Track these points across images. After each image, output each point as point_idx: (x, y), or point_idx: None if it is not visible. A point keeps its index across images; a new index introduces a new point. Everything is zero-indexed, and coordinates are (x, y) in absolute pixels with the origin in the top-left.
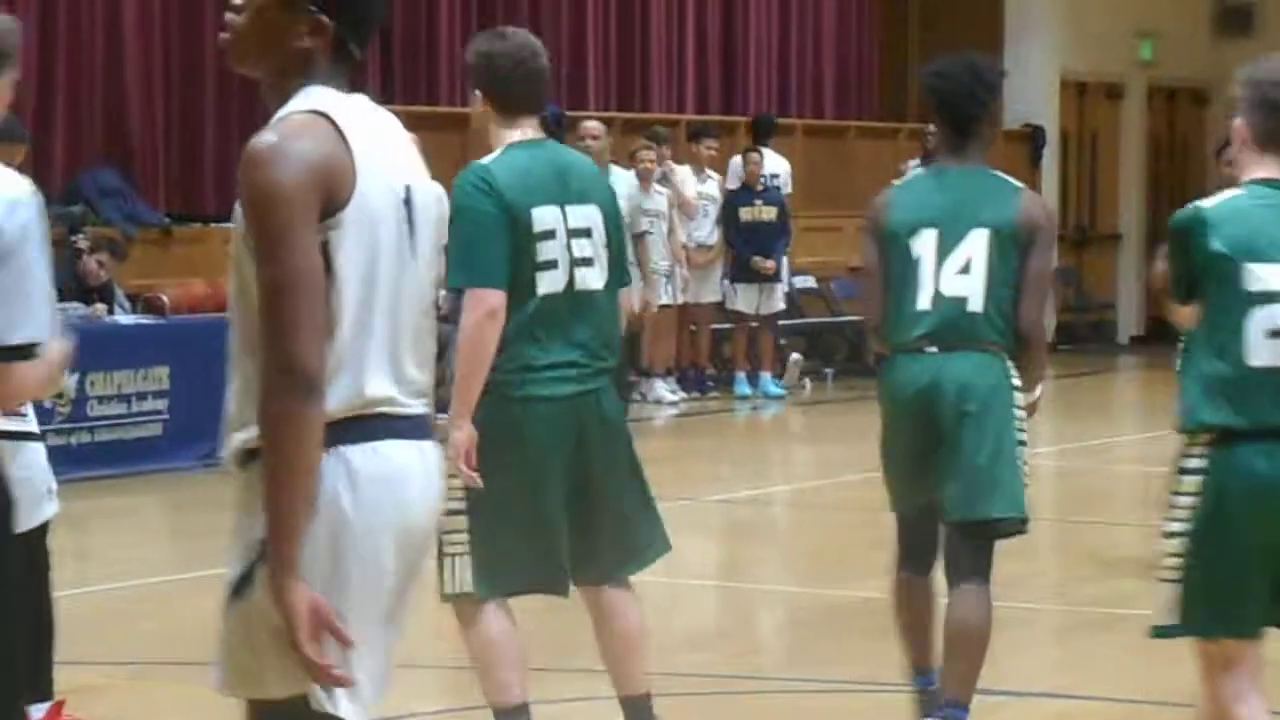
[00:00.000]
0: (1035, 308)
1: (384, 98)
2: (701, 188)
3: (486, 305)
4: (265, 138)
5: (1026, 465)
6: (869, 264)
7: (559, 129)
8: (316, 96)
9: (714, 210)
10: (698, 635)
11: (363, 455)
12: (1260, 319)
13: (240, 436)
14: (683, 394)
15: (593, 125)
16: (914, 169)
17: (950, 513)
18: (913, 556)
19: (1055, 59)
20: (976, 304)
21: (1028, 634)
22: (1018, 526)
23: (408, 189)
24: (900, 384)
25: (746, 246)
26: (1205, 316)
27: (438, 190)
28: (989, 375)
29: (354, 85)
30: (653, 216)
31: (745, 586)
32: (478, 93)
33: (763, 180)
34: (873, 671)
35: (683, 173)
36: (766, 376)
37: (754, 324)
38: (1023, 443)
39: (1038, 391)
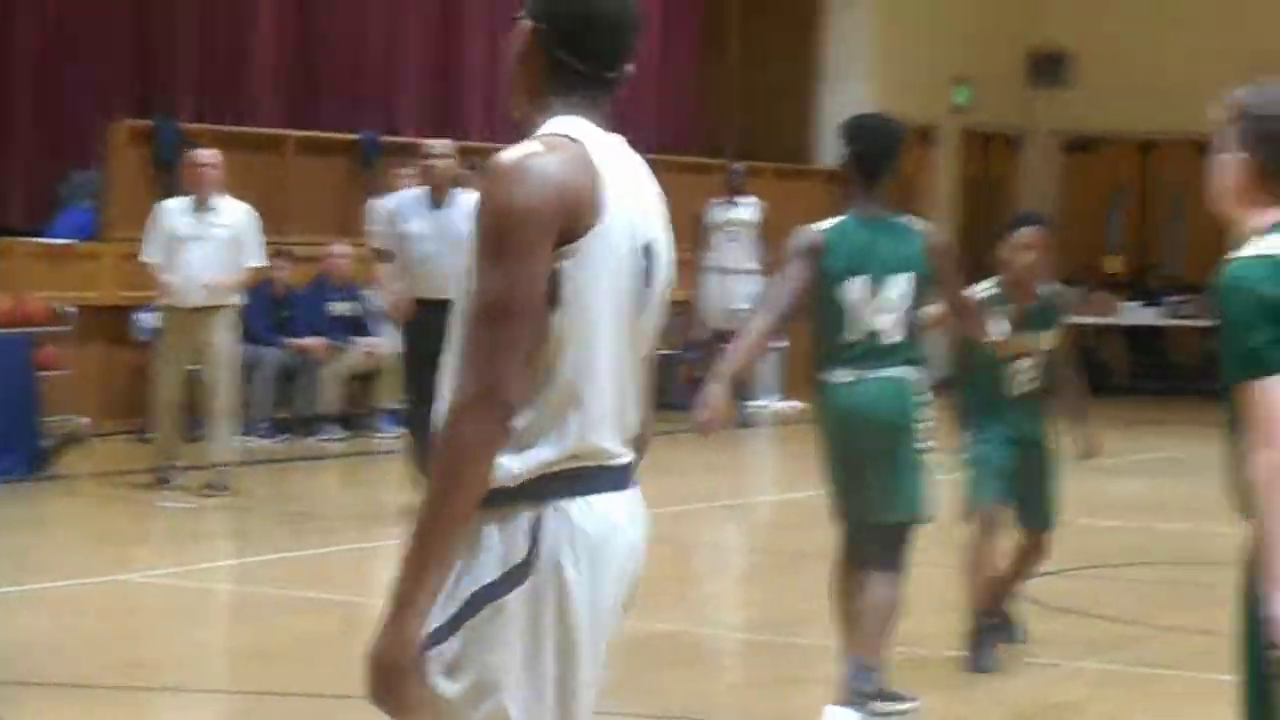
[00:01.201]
0: (972, 325)
1: (195, 118)
2: None
3: None
4: (512, 152)
5: (931, 470)
6: (790, 282)
7: (374, 154)
8: (567, 122)
9: None
10: None
11: (582, 511)
12: None
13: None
14: None
15: (437, 144)
16: (716, 206)
17: (872, 515)
18: (853, 556)
19: (872, 102)
20: (895, 335)
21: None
22: (922, 522)
23: (652, 239)
24: (831, 407)
25: None
26: None
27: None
28: (902, 397)
29: (608, 119)
30: None
31: None
32: None
33: None
34: (680, 704)
35: None
36: None
37: None
38: (930, 450)
39: None
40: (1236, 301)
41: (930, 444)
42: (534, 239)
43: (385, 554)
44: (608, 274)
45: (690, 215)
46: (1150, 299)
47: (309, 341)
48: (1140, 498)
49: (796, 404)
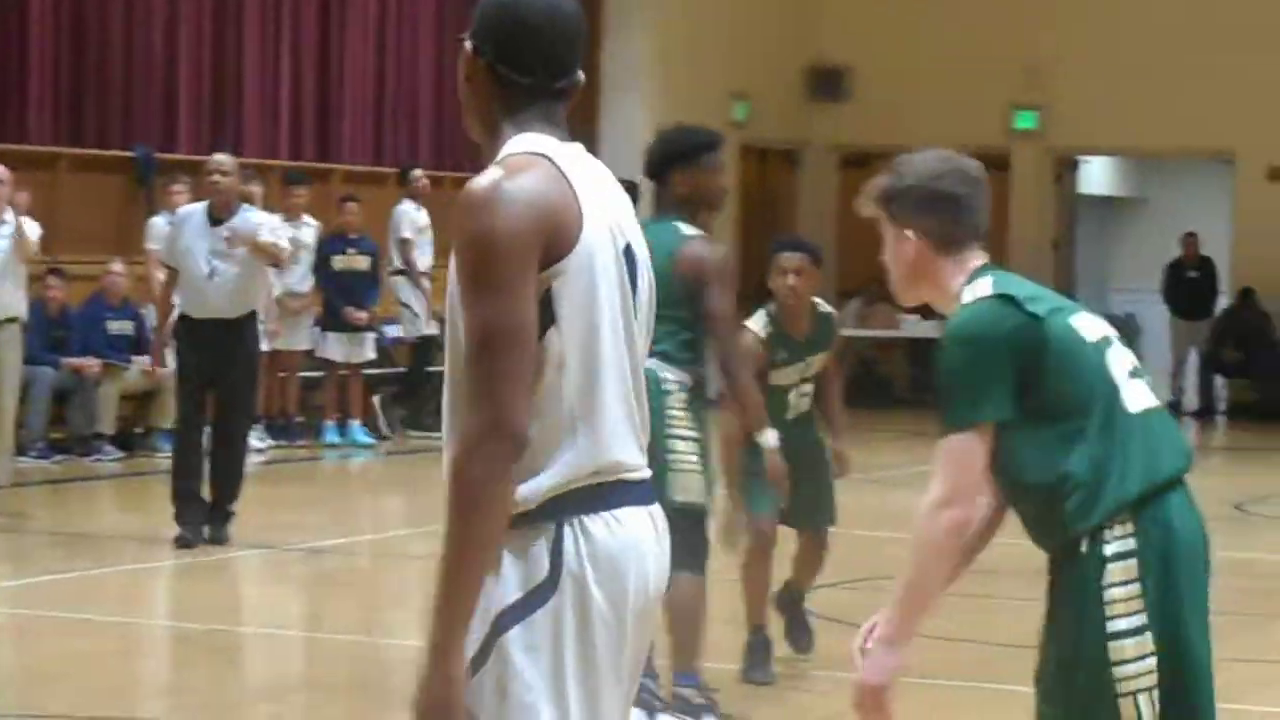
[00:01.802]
0: (726, 346)
1: None
2: (296, 234)
3: None
4: (484, 178)
5: (692, 458)
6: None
7: (149, 170)
8: (530, 139)
9: (307, 258)
10: (276, 686)
11: (603, 526)
12: None
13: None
14: (270, 441)
15: (224, 160)
16: None
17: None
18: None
19: (651, 117)
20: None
21: None
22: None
23: (629, 241)
24: None
25: (338, 295)
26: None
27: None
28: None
29: (565, 130)
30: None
31: (326, 637)
32: None
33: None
34: None
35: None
36: (356, 425)
37: (344, 372)
38: (681, 437)
39: None
40: (957, 360)
41: (685, 433)
42: (520, 265)
43: (162, 575)
44: (598, 285)
45: None
46: (931, 313)
47: (85, 361)
48: (902, 509)
49: None
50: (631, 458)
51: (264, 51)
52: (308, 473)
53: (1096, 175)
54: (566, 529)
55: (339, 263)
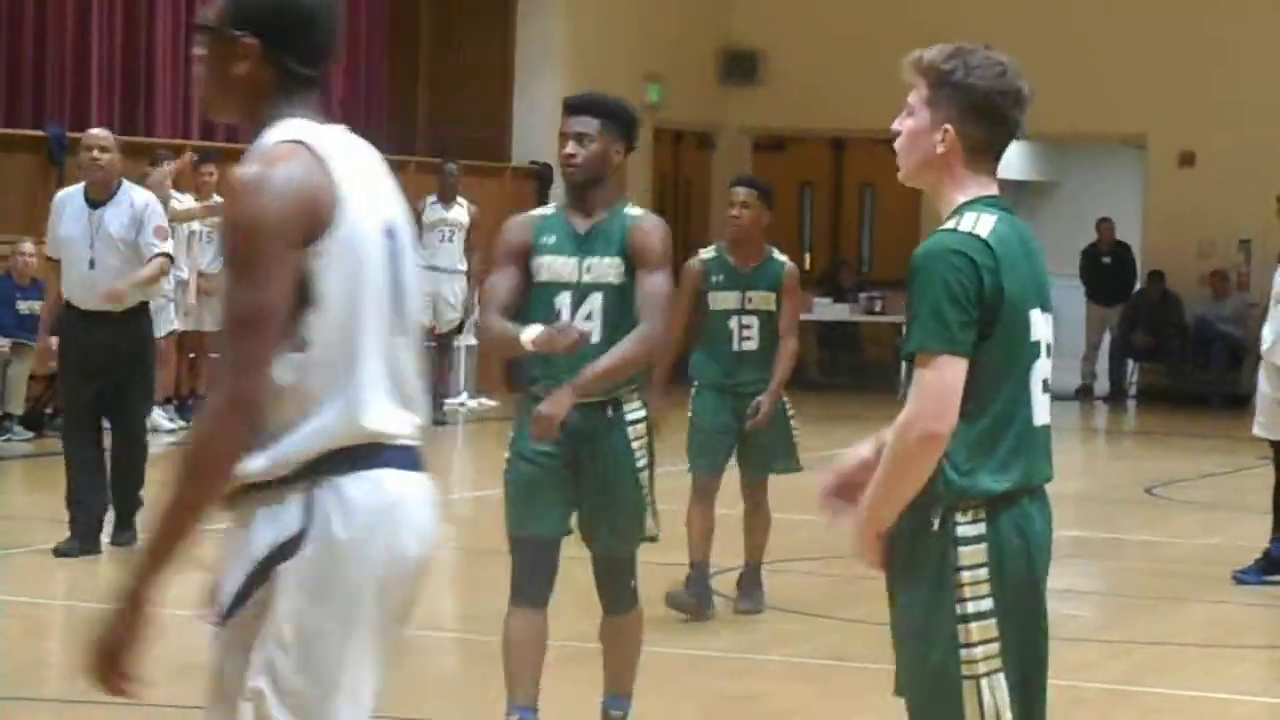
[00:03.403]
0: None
1: None
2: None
3: None
4: (248, 167)
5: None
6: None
7: (62, 150)
8: (293, 126)
9: (219, 239)
10: (186, 666)
11: (356, 484)
12: None
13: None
14: (181, 422)
15: (99, 135)
16: (431, 204)
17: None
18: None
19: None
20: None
21: None
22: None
23: (391, 220)
24: None
25: None
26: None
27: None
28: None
29: (325, 113)
30: None
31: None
32: None
33: None
34: (385, 701)
35: (185, 200)
36: None
37: None
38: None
39: None
40: (931, 280)
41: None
42: (278, 249)
43: (70, 556)
44: (359, 265)
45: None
46: (842, 295)
47: None
48: None
49: (489, 402)
50: (394, 427)
51: (176, 29)
52: None
53: (1009, 159)
54: (320, 490)
55: None
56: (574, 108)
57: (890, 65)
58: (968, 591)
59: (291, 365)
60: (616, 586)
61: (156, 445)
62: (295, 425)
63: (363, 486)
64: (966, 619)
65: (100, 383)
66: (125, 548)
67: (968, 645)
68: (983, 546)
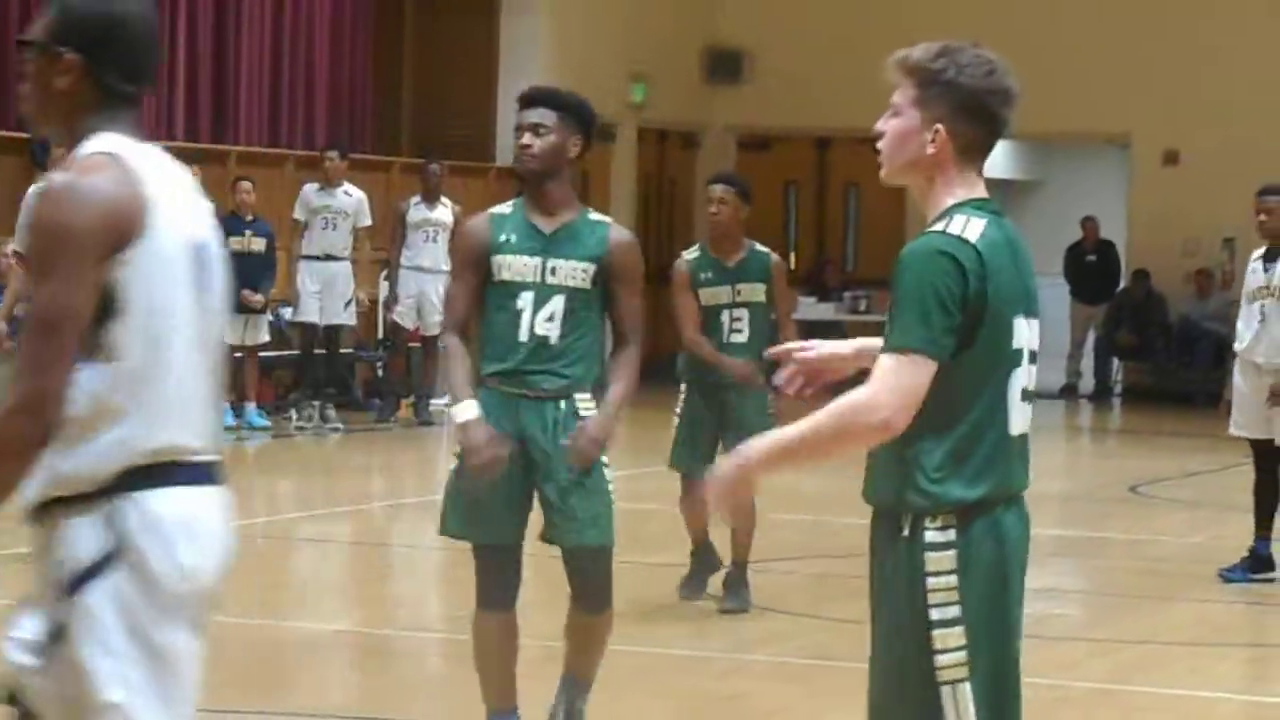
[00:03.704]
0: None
1: None
2: None
3: None
4: (59, 177)
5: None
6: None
7: (45, 154)
8: (107, 140)
9: None
10: None
11: (158, 499)
12: None
13: (41, 485)
14: None
15: None
16: (415, 204)
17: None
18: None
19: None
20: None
21: None
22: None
23: (201, 238)
24: None
25: (234, 277)
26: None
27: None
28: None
29: (141, 130)
30: None
31: (218, 619)
32: None
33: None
34: (359, 702)
35: None
36: (251, 407)
37: (238, 355)
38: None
39: None
40: (916, 280)
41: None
42: (81, 256)
43: None
44: (165, 278)
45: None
46: (826, 295)
47: None
48: (814, 492)
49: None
50: (193, 442)
51: (159, 30)
52: None
53: (994, 158)
54: (123, 504)
55: (235, 244)
56: (531, 100)
57: (876, 65)
58: (936, 598)
59: (95, 375)
60: (595, 580)
61: None
62: (97, 436)
63: (165, 502)
64: (933, 625)
65: None
66: None
67: (935, 652)
68: (952, 553)
